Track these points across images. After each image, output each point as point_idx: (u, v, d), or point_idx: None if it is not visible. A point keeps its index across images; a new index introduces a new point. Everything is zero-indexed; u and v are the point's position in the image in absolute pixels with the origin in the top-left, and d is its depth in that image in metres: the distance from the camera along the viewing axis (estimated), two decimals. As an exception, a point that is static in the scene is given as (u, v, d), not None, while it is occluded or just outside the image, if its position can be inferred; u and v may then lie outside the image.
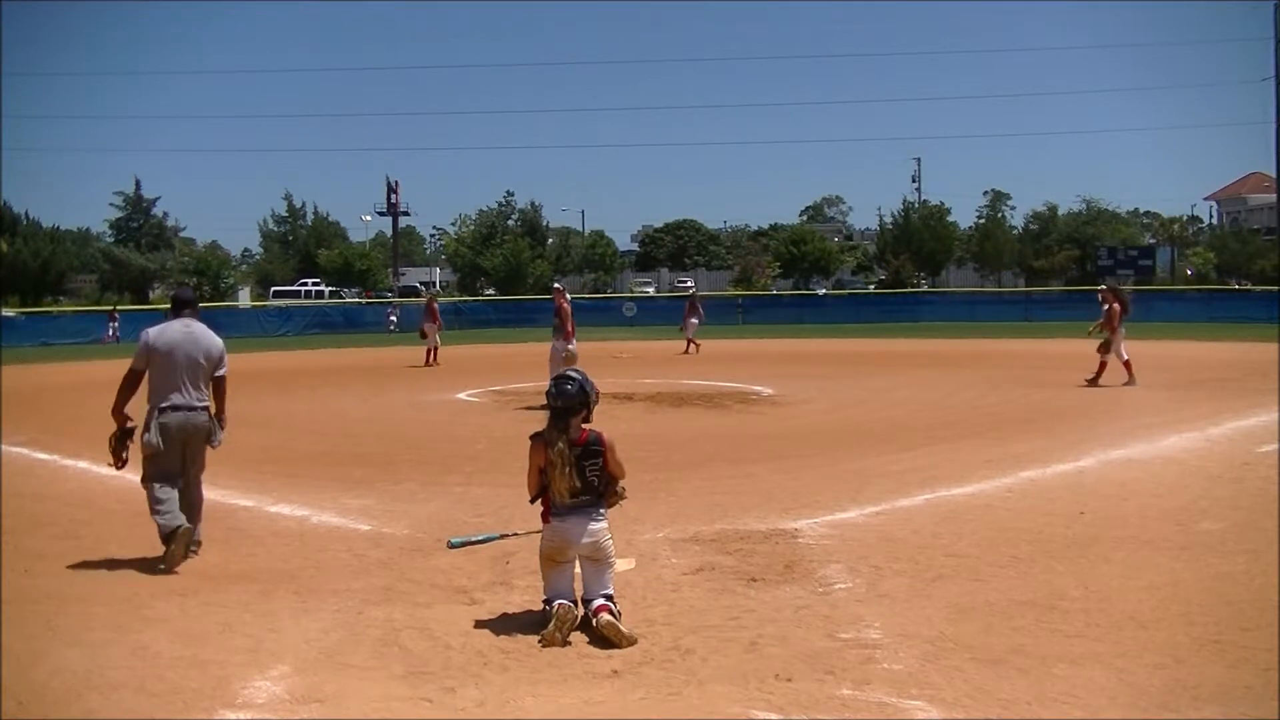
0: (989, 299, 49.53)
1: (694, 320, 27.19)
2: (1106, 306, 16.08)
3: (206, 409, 6.38)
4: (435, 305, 25.17)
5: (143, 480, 6.25)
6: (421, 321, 24.42)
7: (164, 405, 6.22)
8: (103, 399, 6.74)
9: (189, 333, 6.38)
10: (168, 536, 6.01)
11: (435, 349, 23.69)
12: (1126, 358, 15.81)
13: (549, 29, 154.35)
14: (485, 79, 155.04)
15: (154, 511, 6.11)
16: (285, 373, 22.12)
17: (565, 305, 14.32)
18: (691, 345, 26.32)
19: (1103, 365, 15.74)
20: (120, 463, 6.39)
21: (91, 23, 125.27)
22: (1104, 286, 17.45)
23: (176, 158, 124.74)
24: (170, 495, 6.17)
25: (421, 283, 73.51)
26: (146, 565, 6.11)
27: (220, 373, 6.47)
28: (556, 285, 15.91)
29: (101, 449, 6.64)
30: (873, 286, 63.43)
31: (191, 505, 6.31)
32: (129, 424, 6.33)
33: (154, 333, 6.34)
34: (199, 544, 6.38)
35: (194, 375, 6.31)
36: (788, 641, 4.59)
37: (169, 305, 6.76)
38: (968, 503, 7.53)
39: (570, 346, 14.10)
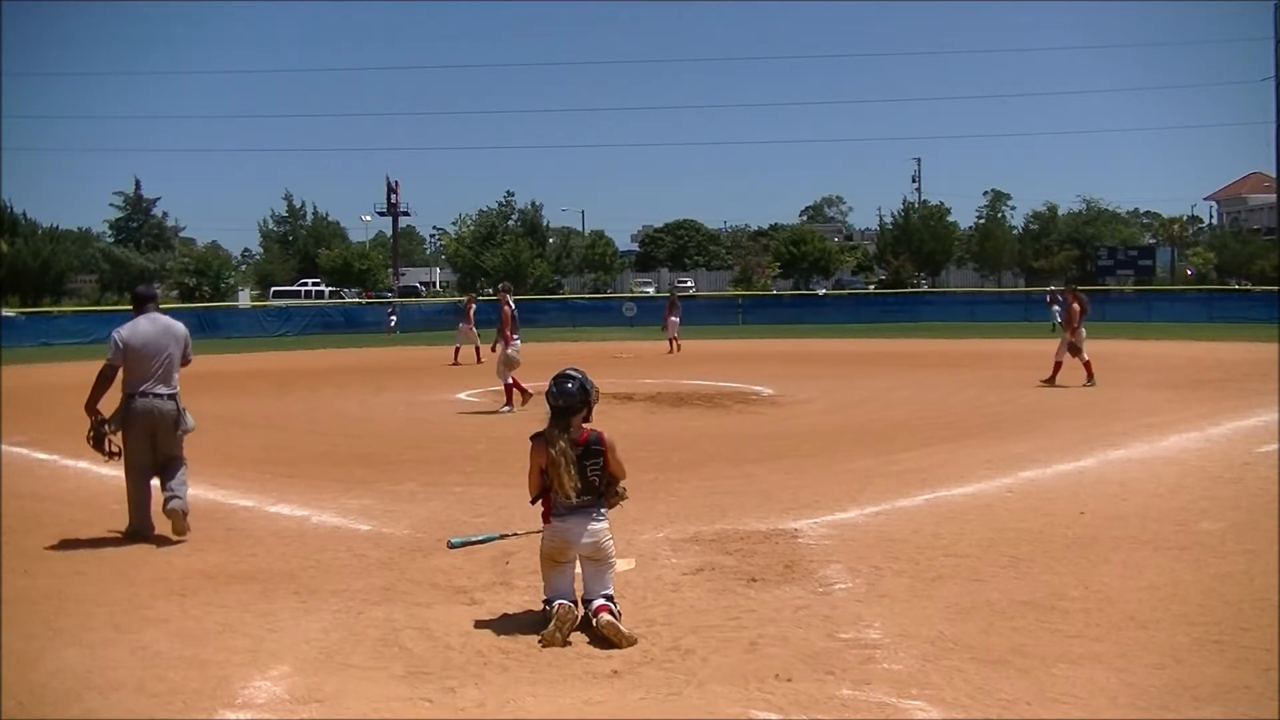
0: (989, 299, 49.50)
1: (674, 319, 27.31)
2: (1057, 307, 16.32)
3: (173, 398, 6.78)
4: (473, 307, 25.00)
5: (125, 472, 6.80)
6: (460, 321, 24.44)
7: (133, 394, 6.65)
8: (104, 403, 6.81)
9: (158, 327, 6.81)
10: (132, 535, 6.72)
11: (466, 348, 23.78)
12: (1060, 359, 16.10)
13: (549, 29, 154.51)
14: (485, 79, 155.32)
15: (130, 511, 6.79)
16: (285, 373, 22.12)
17: (505, 309, 13.95)
18: (674, 344, 26.47)
19: (1088, 365, 15.88)
20: (109, 455, 6.76)
21: (91, 23, 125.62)
22: (1053, 287, 17.74)
23: (176, 158, 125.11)
24: (146, 496, 6.73)
25: (422, 284, 73.48)
26: (146, 565, 6.12)
27: (189, 355, 6.97)
28: (500, 285, 15.67)
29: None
30: (873, 286, 63.43)
31: (171, 476, 6.72)
32: (100, 417, 6.71)
33: (125, 331, 6.74)
34: (183, 505, 6.67)
35: (167, 367, 6.74)
36: (788, 641, 4.59)
37: (131, 303, 7.17)
38: (968, 503, 7.53)
39: (509, 350, 13.82)
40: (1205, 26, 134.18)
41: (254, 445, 11.13)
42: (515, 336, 13.97)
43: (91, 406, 6.67)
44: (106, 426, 6.70)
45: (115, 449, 6.73)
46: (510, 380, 13.89)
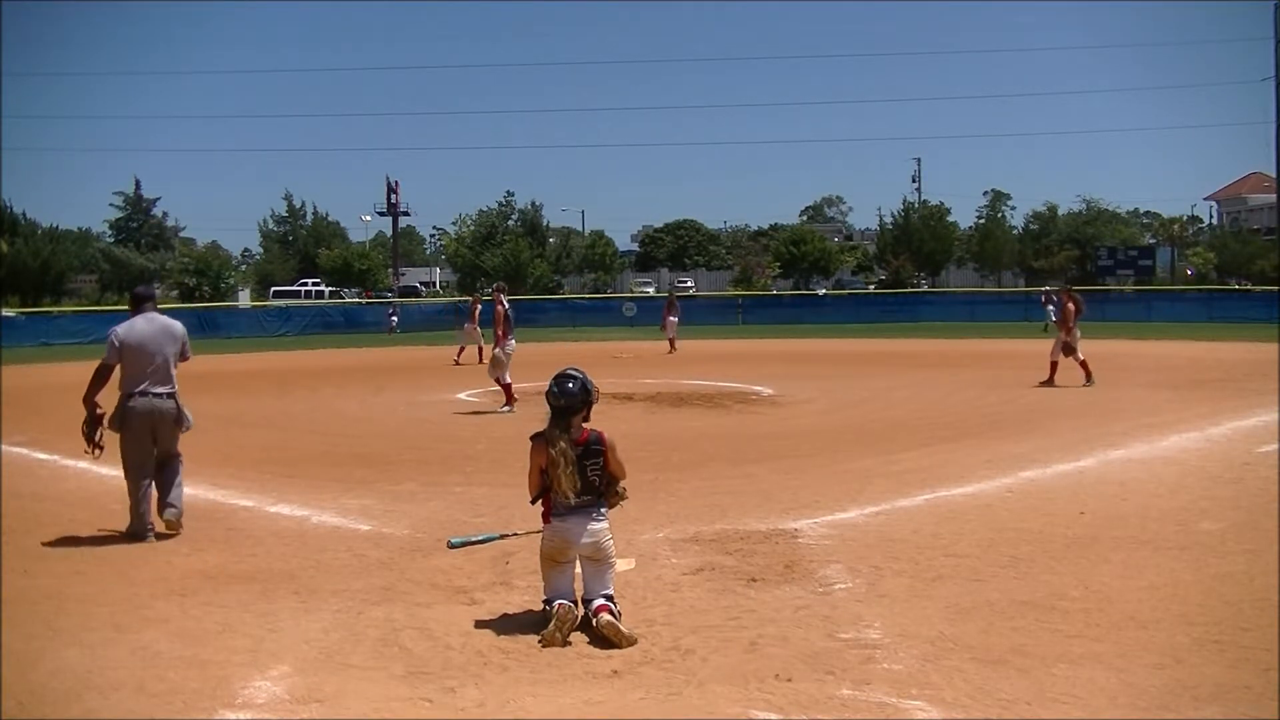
0: (989, 299, 49.48)
1: (672, 319, 27.34)
2: (1051, 307, 16.31)
3: (173, 396, 6.82)
4: (478, 307, 24.83)
5: (124, 471, 6.80)
6: (465, 321, 24.41)
7: (132, 393, 6.69)
8: (103, 399, 6.87)
9: (155, 326, 6.84)
10: (132, 535, 6.70)
11: (474, 348, 23.66)
12: (1055, 359, 16.11)
13: (550, 29, 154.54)
14: (485, 79, 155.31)
15: (131, 510, 6.74)
16: (285, 373, 22.13)
17: (499, 309, 14.04)
18: (672, 345, 26.51)
19: (1084, 365, 15.90)
20: (95, 448, 6.81)
21: (91, 23, 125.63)
22: (1048, 287, 17.72)
23: (176, 158, 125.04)
24: (146, 496, 6.73)
25: (422, 284, 73.46)
26: (146, 565, 6.12)
27: (188, 353, 7.00)
28: (494, 286, 15.72)
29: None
30: (873, 286, 63.41)
31: (169, 481, 6.80)
32: (99, 410, 6.77)
33: (122, 330, 6.77)
34: (178, 514, 6.76)
35: (164, 366, 6.77)
36: (788, 641, 4.59)
37: (129, 303, 7.15)
38: (968, 503, 7.53)
39: (497, 350, 13.92)
40: (1205, 26, 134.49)
41: (254, 445, 11.14)
42: (509, 337, 14.02)
43: (89, 400, 6.77)
44: (103, 422, 6.76)
45: (102, 444, 6.80)
46: (508, 380, 13.92)
